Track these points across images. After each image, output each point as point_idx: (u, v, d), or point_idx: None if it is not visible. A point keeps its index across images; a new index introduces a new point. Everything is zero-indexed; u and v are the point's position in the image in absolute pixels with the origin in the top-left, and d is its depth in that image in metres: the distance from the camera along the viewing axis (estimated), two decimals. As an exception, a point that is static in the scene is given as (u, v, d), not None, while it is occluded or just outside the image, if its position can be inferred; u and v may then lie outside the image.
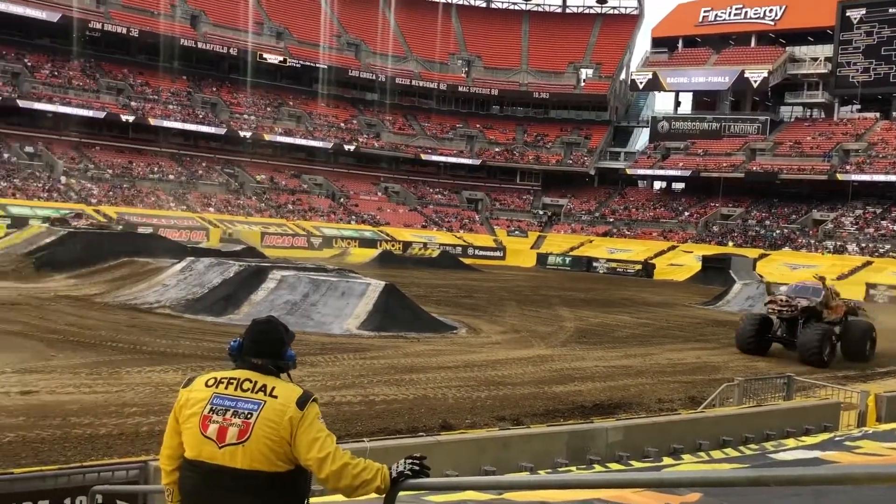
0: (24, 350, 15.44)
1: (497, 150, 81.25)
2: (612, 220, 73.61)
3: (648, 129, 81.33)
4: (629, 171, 77.74)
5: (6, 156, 58.21)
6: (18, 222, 44.58)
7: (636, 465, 8.53)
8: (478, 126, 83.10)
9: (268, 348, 3.54)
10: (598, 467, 8.23)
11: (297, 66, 76.39)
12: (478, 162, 79.83)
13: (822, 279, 23.63)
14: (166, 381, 13.71)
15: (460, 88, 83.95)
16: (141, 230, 47.37)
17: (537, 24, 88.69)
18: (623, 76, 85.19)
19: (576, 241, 69.60)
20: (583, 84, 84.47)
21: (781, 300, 22.31)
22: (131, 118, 64.64)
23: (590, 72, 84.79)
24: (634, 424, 9.48)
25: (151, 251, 31.03)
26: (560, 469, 8.07)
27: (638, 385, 16.87)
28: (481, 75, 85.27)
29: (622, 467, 8.32)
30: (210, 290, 23.57)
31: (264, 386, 3.44)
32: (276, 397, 3.41)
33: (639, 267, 59.93)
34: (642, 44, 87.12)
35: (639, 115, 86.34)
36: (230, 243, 45.01)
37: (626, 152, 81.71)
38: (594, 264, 61.19)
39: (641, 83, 79.74)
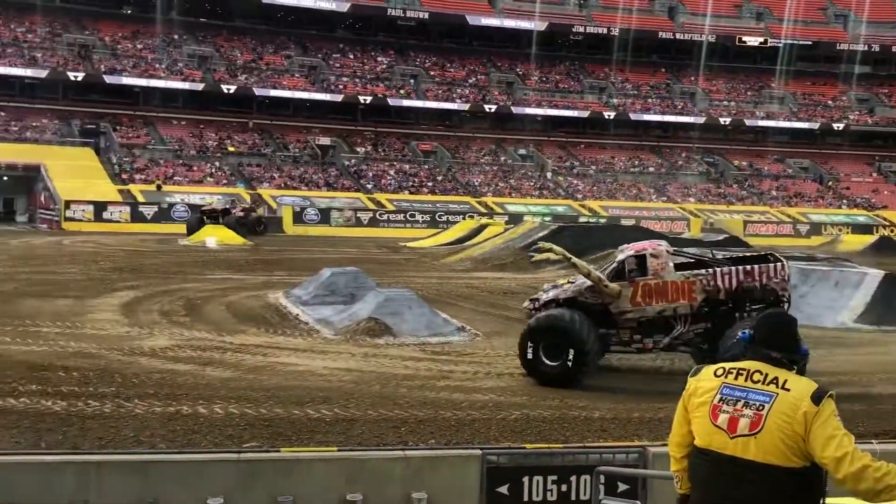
0: (515, 336, 16.76)
1: None
2: None
3: None
4: None
5: (503, 158, 64.33)
6: (514, 219, 48.88)
7: None
8: None
9: (785, 341, 3.47)
10: None
11: (780, 45, 72.75)
12: None
13: (548, 250, 14.63)
14: (654, 368, 14.00)
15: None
16: (623, 222, 49.24)
17: None
18: None
19: None
20: None
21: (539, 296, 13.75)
22: (612, 114, 67.23)
23: None
24: None
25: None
26: None
27: None
28: None
29: None
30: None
31: (776, 378, 3.35)
32: (788, 390, 3.30)
33: None
34: None
35: None
36: (711, 233, 44.62)
37: None
38: None
39: None
